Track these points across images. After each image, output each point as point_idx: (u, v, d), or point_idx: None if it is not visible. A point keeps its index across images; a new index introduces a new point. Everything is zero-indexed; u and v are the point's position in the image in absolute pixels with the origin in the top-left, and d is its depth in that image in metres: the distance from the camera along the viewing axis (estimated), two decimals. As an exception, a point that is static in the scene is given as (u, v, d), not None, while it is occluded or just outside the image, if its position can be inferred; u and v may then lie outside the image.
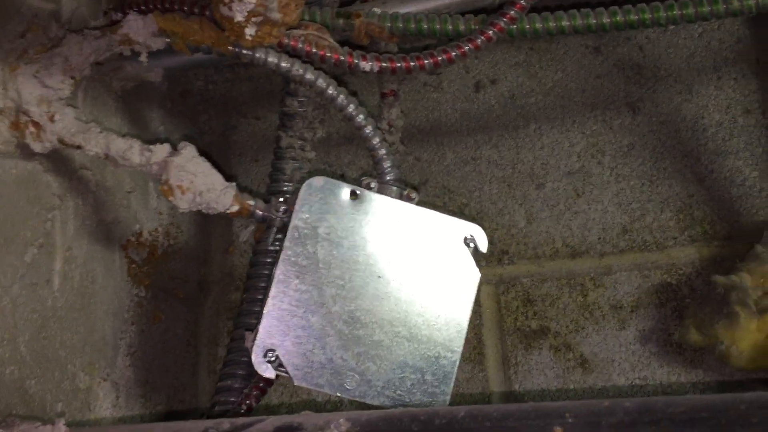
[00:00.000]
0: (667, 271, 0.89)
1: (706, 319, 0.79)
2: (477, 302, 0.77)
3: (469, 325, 0.65)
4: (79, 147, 0.61)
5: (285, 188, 0.81)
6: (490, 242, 0.68)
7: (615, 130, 0.93)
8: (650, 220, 0.90)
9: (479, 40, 0.64)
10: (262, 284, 0.80)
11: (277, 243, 0.67)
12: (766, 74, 0.89)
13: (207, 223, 1.00)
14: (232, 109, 1.03)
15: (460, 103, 0.98)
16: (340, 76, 0.72)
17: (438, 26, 0.65)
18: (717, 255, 0.87)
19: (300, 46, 0.63)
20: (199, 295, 0.96)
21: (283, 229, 0.63)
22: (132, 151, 0.60)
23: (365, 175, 0.68)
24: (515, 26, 0.63)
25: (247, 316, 0.81)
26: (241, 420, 0.47)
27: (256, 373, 0.75)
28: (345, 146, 0.99)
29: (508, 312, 0.92)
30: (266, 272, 0.80)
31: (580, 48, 0.96)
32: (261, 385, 0.74)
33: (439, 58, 0.64)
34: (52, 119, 0.60)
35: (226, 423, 0.47)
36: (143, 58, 0.63)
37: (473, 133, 0.97)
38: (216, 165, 0.63)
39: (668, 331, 0.87)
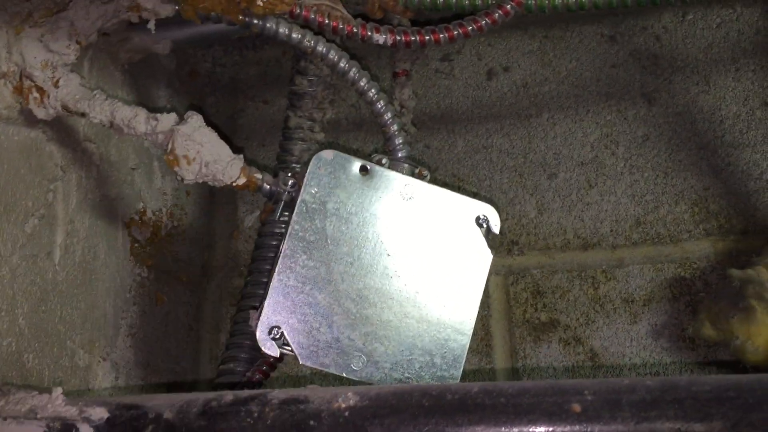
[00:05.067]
0: (681, 264, 0.87)
1: (721, 314, 0.77)
2: (485, 293, 0.75)
3: (479, 309, 0.63)
4: (83, 114, 0.59)
5: (293, 170, 0.79)
6: (500, 233, 0.66)
7: (630, 121, 0.91)
8: (664, 212, 0.88)
9: (497, 15, 0.62)
10: (267, 267, 0.79)
11: (284, 219, 0.66)
12: (786, 65, 0.87)
13: (211, 206, 0.98)
14: (240, 93, 1.02)
15: (472, 91, 0.96)
16: (352, 52, 0.70)
17: (453, 0, 0.64)
18: (732, 249, 0.85)
19: (312, 16, 0.62)
20: (202, 280, 0.94)
21: (291, 204, 0.61)
22: (137, 119, 0.58)
23: (376, 152, 0.66)
24: (533, 0, 0.62)
25: (250, 299, 0.79)
26: (245, 392, 0.46)
27: (259, 356, 0.74)
28: (353, 132, 0.97)
29: (517, 303, 0.90)
30: (271, 255, 0.79)
31: (596, 36, 0.94)
32: (264, 368, 0.72)
33: (455, 32, 0.62)
34: (56, 84, 0.59)
35: (229, 395, 0.45)
36: (151, 25, 0.61)
37: (485, 122, 0.95)
38: (224, 137, 0.61)
39: (681, 326, 0.85)
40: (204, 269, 0.95)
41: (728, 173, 0.87)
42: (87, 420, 0.45)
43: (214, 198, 0.98)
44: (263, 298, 0.61)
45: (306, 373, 0.90)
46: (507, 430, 0.41)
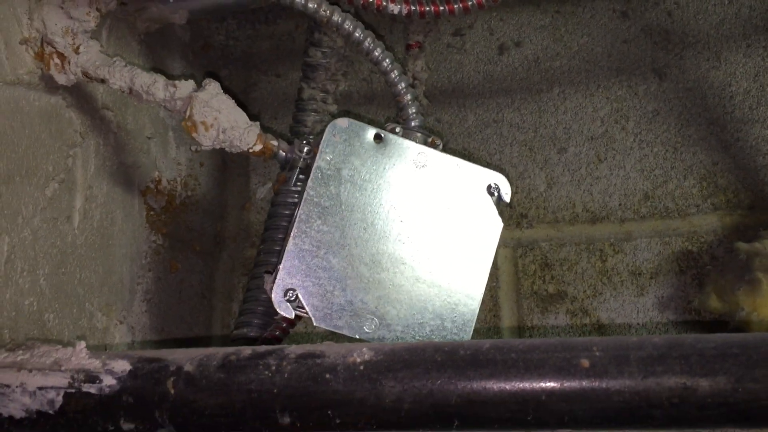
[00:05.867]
0: (689, 238, 0.88)
1: (728, 286, 0.78)
2: (494, 265, 0.76)
3: (489, 276, 0.64)
4: (103, 80, 0.60)
5: (307, 140, 0.80)
6: (510, 205, 0.67)
7: (640, 96, 0.92)
8: (673, 187, 0.89)
9: (510, -14, 0.62)
10: (280, 236, 0.80)
11: (297, 186, 0.67)
12: (797, 40, 0.88)
13: (224, 177, 0.99)
14: (253, 66, 1.03)
15: (484, 66, 0.97)
16: (366, 24, 0.71)
17: (468, -29, 0.64)
18: (740, 224, 0.86)
19: (328, -14, 0.62)
20: (214, 250, 0.95)
21: (306, 170, 0.62)
22: (156, 85, 0.59)
23: (389, 121, 0.67)
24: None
25: (263, 266, 0.80)
26: (262, 348, 0.47)
27: (272, 321, 0.76)
28: (365, 105, 0.98)
29: (525, 275, 0.91)
30: (284, 224, 0.80)
31: (607, 12, 0.94)
32: (277, 333, 0.74)
33: (470, 2, 0.63)
34: (77, 51, 0.60)
35: (247, 350, 0.46)
36: (170, -6, 0.62)
37: (495, 96, 0.96)
38: (240, 104, 0.62)
39: (687, 299, 0.86)
40: (216, 239, 0.96)
41: (737, 149, 0.88)
42: (110, 372, 0.46)
43: (227, 169, 0.99)
44: (278, 262, 0.62)
45: (315, 340, 0.91)
46: (517, 384, 0.42)
